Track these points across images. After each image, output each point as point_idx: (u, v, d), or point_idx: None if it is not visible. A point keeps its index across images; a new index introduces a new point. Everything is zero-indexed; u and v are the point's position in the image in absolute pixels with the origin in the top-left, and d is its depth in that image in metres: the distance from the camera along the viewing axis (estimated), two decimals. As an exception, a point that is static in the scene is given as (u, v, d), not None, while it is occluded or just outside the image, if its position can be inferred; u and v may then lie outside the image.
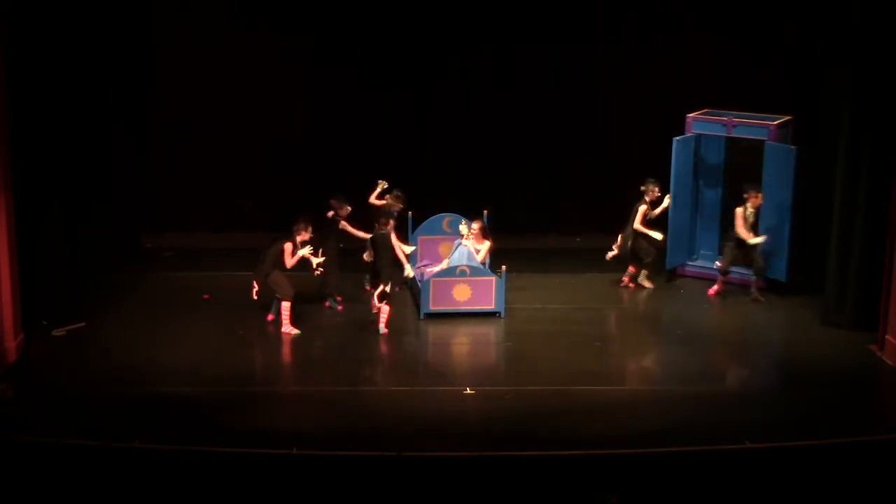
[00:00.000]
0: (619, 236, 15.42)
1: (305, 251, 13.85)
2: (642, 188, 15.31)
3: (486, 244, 14.97)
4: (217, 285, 15.44)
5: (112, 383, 12.40)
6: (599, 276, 16.11)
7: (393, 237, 14.04)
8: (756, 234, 15.04)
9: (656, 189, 15.34)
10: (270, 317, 14.15)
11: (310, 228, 14.00)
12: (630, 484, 10.41)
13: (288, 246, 13.84)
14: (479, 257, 14.84)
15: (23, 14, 13.05)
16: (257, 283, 13.94)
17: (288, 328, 13.85)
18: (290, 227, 13.96)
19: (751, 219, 15.10)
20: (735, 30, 16.92)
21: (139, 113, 16.80)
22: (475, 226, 14.93)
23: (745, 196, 15.01)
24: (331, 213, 14.65)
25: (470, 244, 14.83)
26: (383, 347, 13.97)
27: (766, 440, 11.11)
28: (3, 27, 12.59)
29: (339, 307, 14.72)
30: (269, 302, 14.36)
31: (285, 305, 13.82)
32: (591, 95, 17.36)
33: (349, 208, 14.81)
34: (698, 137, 15.80)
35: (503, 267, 14.48)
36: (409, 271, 14.50)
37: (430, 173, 17.42)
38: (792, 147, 15.08)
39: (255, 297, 13.99)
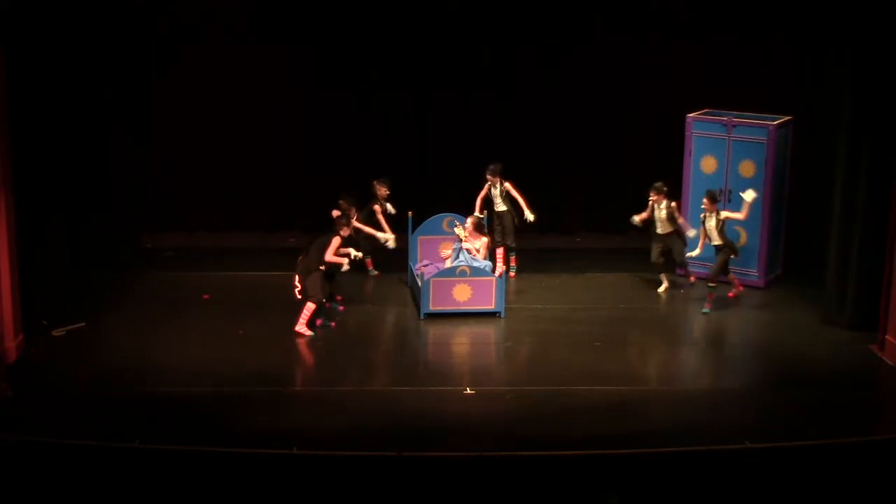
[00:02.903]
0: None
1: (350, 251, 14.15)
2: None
3: (484, 240, 15.00)
4: (217, 285, 15.44)
5: (112, 383, 12.40)
6: (599, 276, 16.13)
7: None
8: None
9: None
10: (333, 324, 14.17)
11: (351, 224, 14.31)
12: (630, 484, 10.40)
13: (336, 240, 13.89)
14: (480, 255, 14.87)
15: (23, 14, 13.04)
16: (299, 281, 13.87)
17: (303, 328, 13.86)
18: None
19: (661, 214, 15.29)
20: (735, 29, 16.92)
21: (139, 113, 16.78)
22: (469, 222, 14.96)
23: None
24: (337, 213, 14.68)
25: (469, 245, 14.85)
26: (383, 347, 13.97)
27: (766, 440, 11.11)
28: (2, 27, 12.59)
29: (341, 307, 14.71)
30: (270, 301, 14.41)
31: (310, 307, 13.83)
32: (591, 95, 17.36)
33: (354, 213, 14.95)
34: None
35: (502, 267, 14.50)
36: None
37: (430, 173, 17.43)
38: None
39: (299, 297, 13.92)
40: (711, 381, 13.11)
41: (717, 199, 14.85)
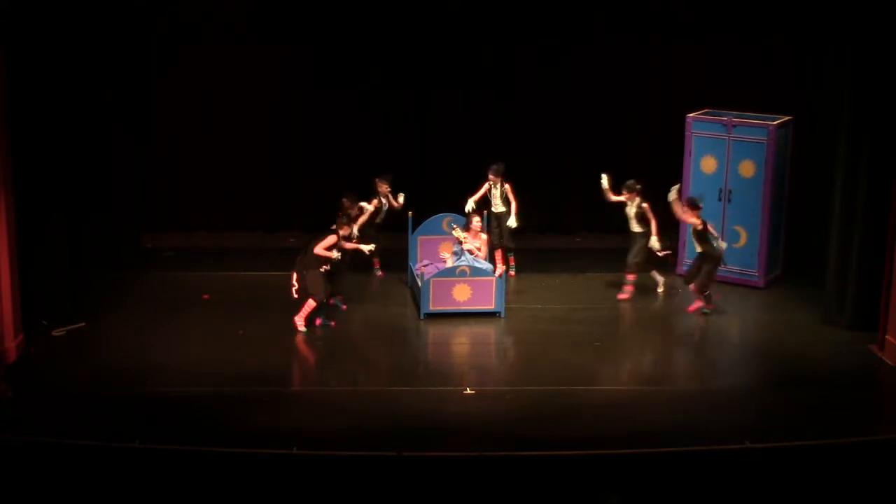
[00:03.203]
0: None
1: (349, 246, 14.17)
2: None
3: (483, 237, 15.02)
4: (217, 285, 15.44)
5: (112, 383, 12.40)
6: (599, 276, 16.11)
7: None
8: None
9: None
10: (332, 323, 14.14)
11: (353, 225, 14.37)
12: (630, 484, 10.40)
13: (332, 238, 13.88)
14: (482, 253, 14.90)
15: (23, 14, 13.04)
16: (297, 280, 13.90)
17: (301, 322, 13.88)
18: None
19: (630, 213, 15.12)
20: (736, 29, 16.92)
21: (139, 113, 16.78)
22: (475, 223, 14.96)
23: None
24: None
25: (470, 245, 14.86)
26: (383, 347, 13.97)
27: (766, 440, 11.11)
28: (2, 27, 12.59)
29: (343, 306, 14.70)
30: (270, 301, 14.37)
31: (311, 303, 13.85)
32: (591, 95, 17.36)
33: (361, 207, 15.03)
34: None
35: (502, 268, 14.49)
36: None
37: (430, 173, 17.43)
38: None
39: (296, 296, 13.94)
40: (712, 381, 13.10)
41: (697, 206, 14.43)
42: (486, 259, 14.97)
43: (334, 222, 14.24)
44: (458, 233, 14.94)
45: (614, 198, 15.21)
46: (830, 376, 13.02)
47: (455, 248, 14.97)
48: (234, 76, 17.07)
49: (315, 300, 13.83)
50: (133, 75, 16.40)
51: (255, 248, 17.07)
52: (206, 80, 17.10)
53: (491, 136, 17.22)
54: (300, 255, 14.01)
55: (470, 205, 15.33)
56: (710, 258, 14.53)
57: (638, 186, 15.05)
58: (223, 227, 17.59)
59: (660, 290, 15.46)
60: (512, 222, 15.52)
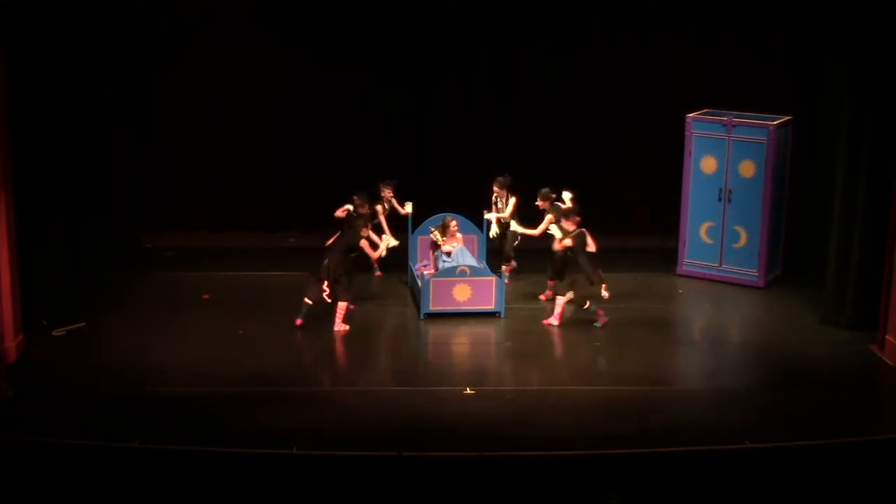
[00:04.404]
0: None
1: (384, 245, 14.41)
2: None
3: (459, 236, 15.07)
4: (217, 285, 15.44)
5: (112, 383, 12.39)
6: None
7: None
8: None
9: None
10: (299, 321, 14.08)
11: (367, 222, 14.51)
12: (630, 484, 10.40)
13: (365, 243, 14.10)
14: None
15: (23, 14, 13.04)
16: (328, 284, 13.88)
17: (340, 326, 13.93)
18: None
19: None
20: (736, 29, 16.93)
21: (139, 113, 16.78)
22: (453, 223, 14.97)
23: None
24: (342, 212, 14.79)
25: (450, 248, 14.87)
26: (383, 347, 13.97)
27: (766, 440, 11.11)
28: (2, 27, 12.59)
29: (352, 306, 14.68)
30: (270, 301, 14.34)
31: (342, 305, 13.91)
32: (591, 95, 17.36)
33: (367, 208, 15.01)
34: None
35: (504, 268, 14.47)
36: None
37: (430, 173, 17.43)
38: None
39: (328, 299, 13.91)
40: (711, 381, 13.10)
41: (548, 197, 14.54)
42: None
43: (351, 225, 14.31)
44: (435, 235, 14.95)
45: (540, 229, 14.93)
46: (830, 376, 13.02)
47: (436, 253, 15.00)
48: (234, 76, 17.08)
49: (346, 300, 13.95)
50: (133, 75, 16.39)
51: (255, 248, 17.07)
52: (206, 80, 17.11)
53: (491, 136, 17.24)
54: (325, 262, 13.94)
55: (493, 229, 15.38)
56: (579, 252, 14.16)
57: (553, 195, 14.88)
58: (223, 227, 17.58)
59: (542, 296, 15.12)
60: (490, 217, 15.40)
